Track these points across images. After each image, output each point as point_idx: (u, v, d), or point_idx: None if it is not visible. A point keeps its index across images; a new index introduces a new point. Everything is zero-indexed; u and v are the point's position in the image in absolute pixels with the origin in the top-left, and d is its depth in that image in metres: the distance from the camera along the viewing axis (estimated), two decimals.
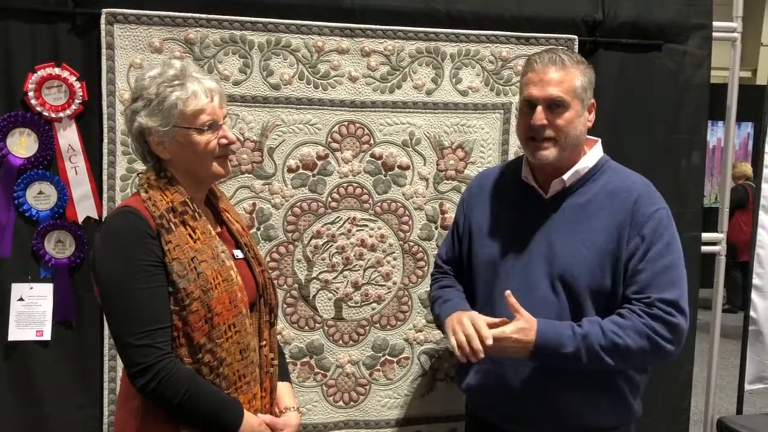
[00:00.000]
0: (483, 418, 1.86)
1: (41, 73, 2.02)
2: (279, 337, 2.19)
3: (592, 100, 1.74)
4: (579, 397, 1.70)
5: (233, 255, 1.64)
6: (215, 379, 1.53)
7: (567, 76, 1.66)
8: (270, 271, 1.81)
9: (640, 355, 1.64)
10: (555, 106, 1.66)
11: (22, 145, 2.05)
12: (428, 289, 2.28)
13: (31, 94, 2.03)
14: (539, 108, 1.67)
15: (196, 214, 1.57)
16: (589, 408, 1.71)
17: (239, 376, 1.57)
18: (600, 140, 1.82)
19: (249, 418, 1.56)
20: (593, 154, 1.77)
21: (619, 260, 1.67)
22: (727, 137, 2.73)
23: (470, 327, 1.62)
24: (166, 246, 1.50)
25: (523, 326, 1.62)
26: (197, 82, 1.55)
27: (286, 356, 2.23)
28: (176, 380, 1.47)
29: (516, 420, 1.76)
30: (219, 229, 1.66)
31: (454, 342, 1.64)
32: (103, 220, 1.93)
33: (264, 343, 1.66)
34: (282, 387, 1.74)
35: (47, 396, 2.09)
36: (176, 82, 1.53)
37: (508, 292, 1.64)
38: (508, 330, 1.62)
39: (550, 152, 1.68)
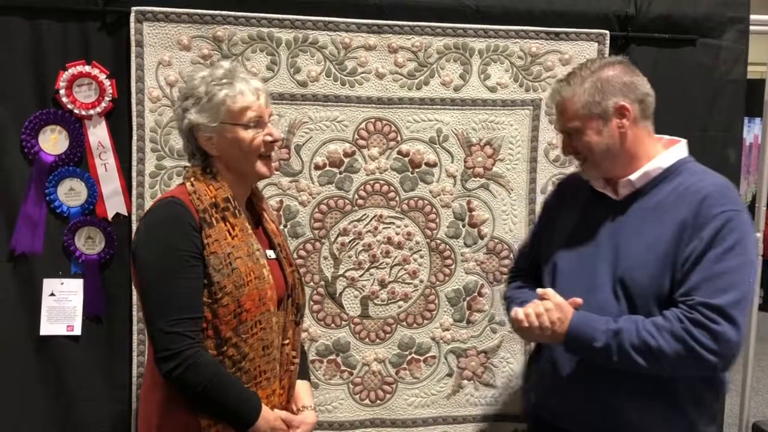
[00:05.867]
0: (540, 416, 1.82)
1: (72, 71, 2.05)
2: (305, 334, 2.20)
3: (621, 103, 1.63)
4: (629, 403, 1.63)
5: (266, 255, 1.67)
6: (236, 372, 1.57)
7: (567, 105, 1.68)
8: (299, 269, 1.83)
9: (676, 360, 1.54)
10: (570, 134, 1.70)
11: (53, 142, 2.08)
12: (455, 287, 2.29)
13: (62, 91, 2.05)
14: (562, 138, 1.75)
15: (236, 211, 1.61)
16: (640, 415, 1.63)
17: (260, 371, 1.60)
18: (684, 141, 1.74)
19: (266, 413, 1.59)
20: (670, 154, 1.69)
21: (677, 262, 1.59)
22: (764, 134, 2.66)
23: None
24: (206, 239, 1.55)
25: (563, 306, 1.60)
26: (245, 81, 1.61)
27: (313, 353, 2.24)
28: (201, 368, 1.51)
29: (567, 419, 1.72)
30: (256, 229, 1.69)
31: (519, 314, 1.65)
32: (147, 209, 1.95)
33: (287, 341, 1.68)
34: (300, 385, 1.76)
35: (77, 390, 2.12)
36: (225, 81, 1.59)
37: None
38: (547, 305, 1.61)
39: (587, 170, 1.72)
